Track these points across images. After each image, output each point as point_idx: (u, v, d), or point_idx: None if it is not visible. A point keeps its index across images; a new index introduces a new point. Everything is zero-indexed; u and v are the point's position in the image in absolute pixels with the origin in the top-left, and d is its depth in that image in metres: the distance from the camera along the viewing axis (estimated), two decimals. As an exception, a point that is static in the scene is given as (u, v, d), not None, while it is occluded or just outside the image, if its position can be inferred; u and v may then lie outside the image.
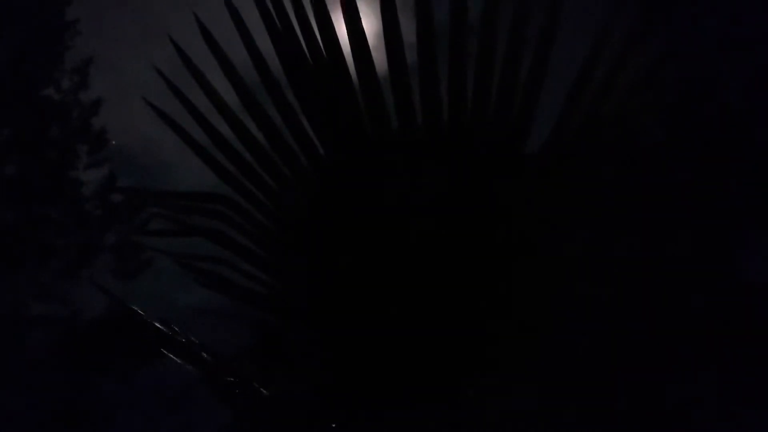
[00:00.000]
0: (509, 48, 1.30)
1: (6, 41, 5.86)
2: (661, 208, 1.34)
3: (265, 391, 1.38)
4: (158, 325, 1.41)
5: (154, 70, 1.40)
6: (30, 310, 5.64)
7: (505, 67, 1.31)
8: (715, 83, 1.48)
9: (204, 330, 1.46)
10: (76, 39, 6.14)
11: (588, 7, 1.42)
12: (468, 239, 1.36)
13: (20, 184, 5.82)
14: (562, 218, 1.35)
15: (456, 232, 1.36)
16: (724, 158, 1.36)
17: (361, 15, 1.33)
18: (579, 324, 1.32)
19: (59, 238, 5.85)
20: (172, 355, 1.41)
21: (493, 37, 1.31)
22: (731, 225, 1.33)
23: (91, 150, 6.01)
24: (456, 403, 1.33)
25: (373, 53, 1.34)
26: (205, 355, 1.42)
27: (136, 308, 1.48)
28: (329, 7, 1.34)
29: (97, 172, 6.01)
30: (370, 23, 1.34)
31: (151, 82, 1.43)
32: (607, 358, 1.31)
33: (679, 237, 1.33)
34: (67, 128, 6.01)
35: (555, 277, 1.34)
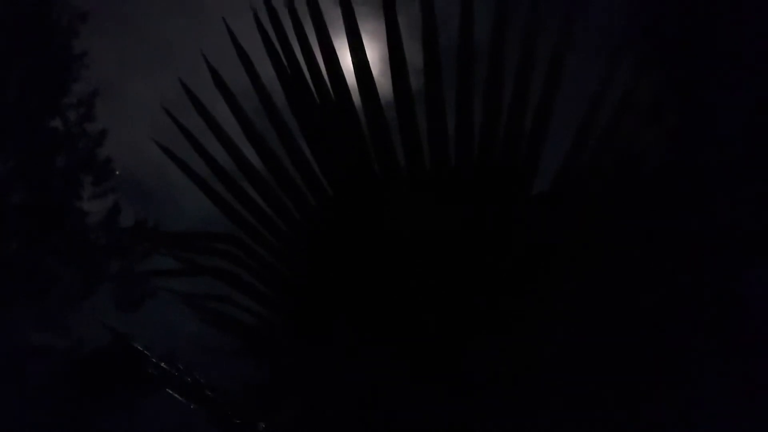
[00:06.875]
0: (517, 82, 1.31)
1: (14, 73, 5.93)
2: (666, 244, 1.33)
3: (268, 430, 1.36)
4: (162, 365, 1.40)
5: (159, 96, 1.41)
6: (31, 340, 5.62)
7: (514, 102, 1.31)
8: (716, 114, 1.49)
9: (208, 365, 1.45)
10: (83, 71, 6.22)
11: (595, 43, 1.43)
12: (475, 275, 1.35)
13: (25, 214, 5.84)
14: (569, 254, 1.34)
15: (463, 267, 1.35)
16: (727, 192, 1.36)
17: (367, 40, 1.32)
18: (581, 356, 1.32)
19: (62, 267, 5.85)
20: (176, 395, 1.39)
21: (500, 70, 1.31)
22: (735, 258, 1.33)
23: (96, 180, 6.05)
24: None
25: (379, 79, 1.33)
26: (208, 393, 1.41)
27: (138, 346, 1.46)
28: (334, 41, 1.35)
29: (102, 203, 6.05)
30: (375, 48, 1.34)
31: (156, 111, 1.44)
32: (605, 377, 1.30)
33: (684, 272, 1.32)
34: (72, 159, 6.05)
35: (559, 315, 1.33)
